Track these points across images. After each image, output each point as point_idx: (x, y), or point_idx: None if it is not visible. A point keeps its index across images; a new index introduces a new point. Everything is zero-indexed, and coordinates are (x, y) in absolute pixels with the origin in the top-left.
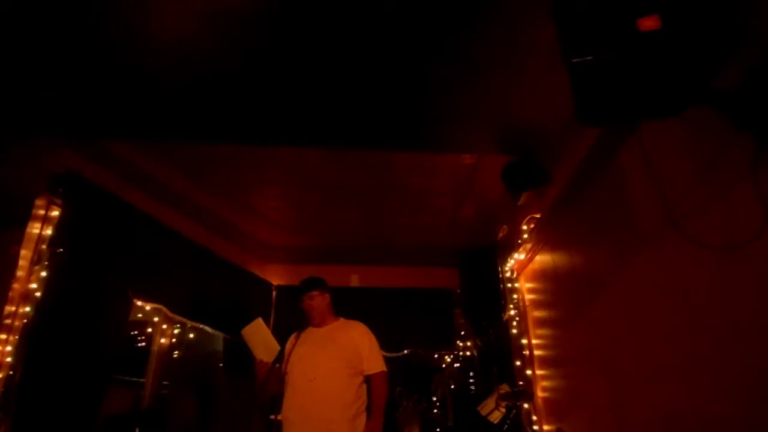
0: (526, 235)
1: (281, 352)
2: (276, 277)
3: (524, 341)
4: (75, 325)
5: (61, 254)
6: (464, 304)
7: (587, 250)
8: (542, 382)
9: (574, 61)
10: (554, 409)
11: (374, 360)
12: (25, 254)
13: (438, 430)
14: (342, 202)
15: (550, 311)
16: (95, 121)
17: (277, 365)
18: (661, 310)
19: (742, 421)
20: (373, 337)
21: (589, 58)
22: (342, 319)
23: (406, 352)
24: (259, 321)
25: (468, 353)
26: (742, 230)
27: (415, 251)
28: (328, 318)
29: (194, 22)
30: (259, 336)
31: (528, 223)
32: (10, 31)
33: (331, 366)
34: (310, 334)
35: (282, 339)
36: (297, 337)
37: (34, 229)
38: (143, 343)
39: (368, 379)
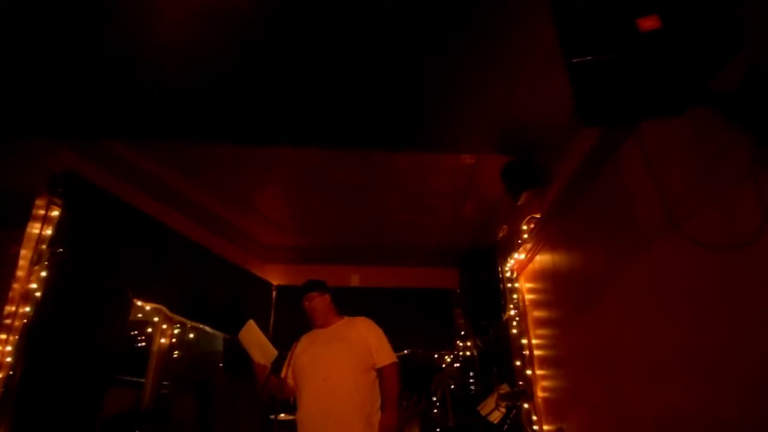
0: (526, 235)
1: (281, 355)
2: (276, 277)
3: (524, 341)
4: (75, 325)
5: (61, 254)
6: (464, 304)
7: (587, 250)
8: (542, 382)
9: (574, 61)
10: (554, 409)
11: (384, 352)
12: (25, 254)
13: (438, 430)
14: (342, 202)
15: (550, 311)
16: (95, 121)
17: (274, 376)
18: (661, 310)
19: (743, 421)
20: (380, 330)
21: (589, 58)
22: (346, 318)
23: (406, 352)
24: (251, 323)
25: (468, 353)
26: (742, 230)
27: (416, 251)
28: (330, 318)
29: (194, 21)
30: (255, 339)
31: (528, 223)
32: (10, 31)
33: (344, 363)
34: (317, 335)
35: (282, 339)
36: (303, 340)
37: (34, 229)
38: (143, 343)
39: (380, 373)
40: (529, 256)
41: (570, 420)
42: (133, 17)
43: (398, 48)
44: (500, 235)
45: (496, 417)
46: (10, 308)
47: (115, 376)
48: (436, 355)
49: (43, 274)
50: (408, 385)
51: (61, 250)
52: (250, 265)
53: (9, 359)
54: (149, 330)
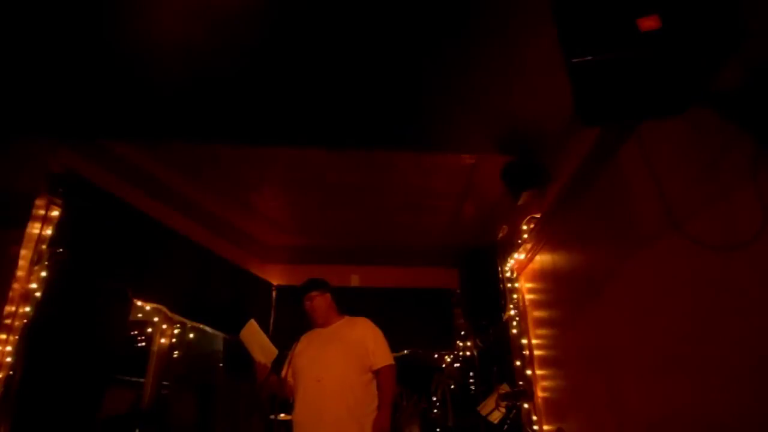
0: (526, 235)
1: (282, 355)
2: (276, 277)
3: (524, 341)
4: (75, 325)
5: (61, 254)
6: (464, 304)
7: (587, 250)
8: (542, 382)
9: (574, 61)
10: (554, 409)
11: (380, 354)
12: (25, 254)
13: (438, 430)
14: (342, 202)
15: (550, 311)
16: (95, 121)
17: (274, 375)
18: (660, 310)
19: (743, 421)
20: (378, 332)
21: (589, 58)
22: (347, 317)
23: (406, 352)
24: (252, 323)
25: (468, 353)
26: (742, 230)
27: (415, 251)
28: (331, 317)
29: (194, 21)
30: (255, 338)
31: (528, 223)
32: (10, 31)
33: (339, 364)
34: (316, 335)
35: (282, 339)
36: (303, 340)
37: (34, 229)
38: (143, 343)
39: (376, 375)
40: (529, 256)
41: (570, 420)
42: (133, 17)
43: (398, 48)
44: (500, 235)
45: (496, 417)
46: (10, 308)
47: (115, 376)
48: (436, 355)
49: (43, 274)
50: (408, 385)
51: (61, 250)
52: (250, 265)
53: (9, 359)
54: (149, 330)
